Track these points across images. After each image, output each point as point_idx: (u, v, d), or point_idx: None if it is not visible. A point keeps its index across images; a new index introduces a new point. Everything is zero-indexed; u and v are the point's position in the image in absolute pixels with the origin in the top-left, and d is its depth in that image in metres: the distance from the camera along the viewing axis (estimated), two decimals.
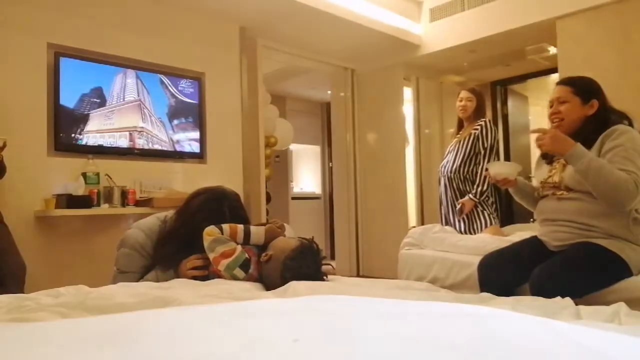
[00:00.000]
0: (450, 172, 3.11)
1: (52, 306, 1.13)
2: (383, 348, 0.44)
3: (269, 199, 4.49)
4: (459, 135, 3.18)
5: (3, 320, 1.02)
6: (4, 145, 2.36)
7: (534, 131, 1.90)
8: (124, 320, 0.56)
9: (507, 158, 5.51)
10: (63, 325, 0.59)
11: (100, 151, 3.12)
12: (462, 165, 3.05)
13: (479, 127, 3.05)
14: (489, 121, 3.10)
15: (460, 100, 3.16)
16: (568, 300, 1.31)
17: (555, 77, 4.37)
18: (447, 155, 3.21)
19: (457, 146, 3.11)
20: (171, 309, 0.70)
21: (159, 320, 0.56)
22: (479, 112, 3.13)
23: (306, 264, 1.57)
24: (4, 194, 2.58)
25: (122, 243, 1.76)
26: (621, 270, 1.72)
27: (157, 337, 0.48)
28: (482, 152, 3.00)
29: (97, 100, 3.15)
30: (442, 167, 3.21)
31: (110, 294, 1.27)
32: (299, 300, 0.64)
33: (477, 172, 3.02)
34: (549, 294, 1.37)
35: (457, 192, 3.09)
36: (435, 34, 4.49)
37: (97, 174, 3.01)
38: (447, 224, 3.15)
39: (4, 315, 1.09)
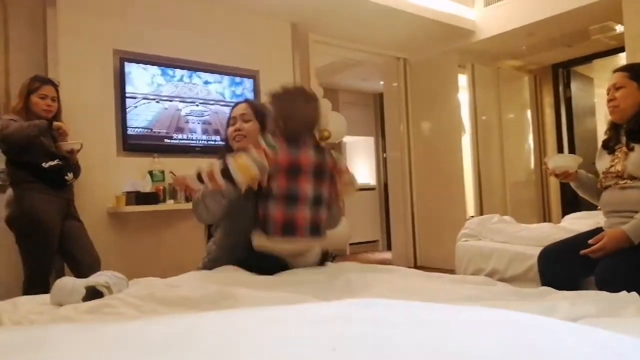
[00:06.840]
0: None
1: (124, 297, 1.24)
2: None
3: None
4: None
5: (81, 308, 1.14)
6: (81, 148, 2.54)
7: (586, 252, 1.77)
8: (182, 324, 0.64)
9: (572, 144, 5.25)
10: (131, 328, 0.67)
11: (164, 150, 3.29)
12: None
13: None
14: None
15: None
16: (634, 294, 1.24)
17: (623, 56, 4.11)
18: None
19: None
20: (220, 313, 0.78)
21: (207, 326, 0.63)
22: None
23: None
24: (79, 193, 2.78)
25: None
26: None
27: (204, 345, 0.55)
28: None
29: (160, 101, 3.32)
30: None
31: (175, 287, 1.38)
32: (338, 306, 0.69)
33: None
34: (616, 288, 1.32)
35: None
36: (490, 19, 4.34)
37: (162, 172, 3.19)
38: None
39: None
